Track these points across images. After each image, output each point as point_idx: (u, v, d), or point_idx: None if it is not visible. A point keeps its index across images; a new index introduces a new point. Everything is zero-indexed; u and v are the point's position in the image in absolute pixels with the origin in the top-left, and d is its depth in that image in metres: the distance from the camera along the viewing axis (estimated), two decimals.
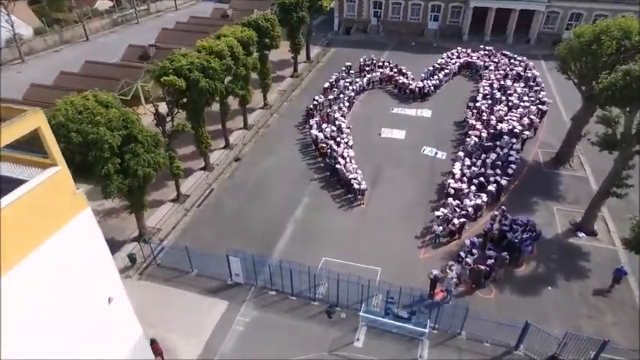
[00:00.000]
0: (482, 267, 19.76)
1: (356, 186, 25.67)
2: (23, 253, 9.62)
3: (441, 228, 22.51)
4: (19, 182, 9.80)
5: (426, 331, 17.26)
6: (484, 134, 30.01)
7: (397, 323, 17.95)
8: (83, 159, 17.98)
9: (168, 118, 23.98)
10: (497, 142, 28.84)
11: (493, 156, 27.43)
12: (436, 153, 30.61)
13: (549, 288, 20.33)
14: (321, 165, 29.61)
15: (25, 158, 10.56)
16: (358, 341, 18.18)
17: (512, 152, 28.09)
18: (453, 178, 25.90)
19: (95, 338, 12.51)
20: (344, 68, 40.69)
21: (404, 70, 40.31)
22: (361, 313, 18.00)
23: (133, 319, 14.20)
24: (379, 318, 18.21)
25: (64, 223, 10.60)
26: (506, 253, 20.39)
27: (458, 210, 23.39)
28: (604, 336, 16.97)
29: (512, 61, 41.27)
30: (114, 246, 22.91)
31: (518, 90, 35.54)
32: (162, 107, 24.41)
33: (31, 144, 10.98)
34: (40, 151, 10.44)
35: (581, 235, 23.06)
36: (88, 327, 12.16)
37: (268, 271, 20.80)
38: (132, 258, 21.74)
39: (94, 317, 12.28)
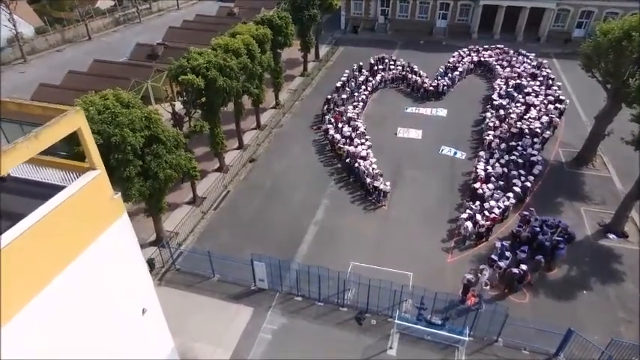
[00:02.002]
0: (516, 270, 19.11)
1: (381, 187, 24.98)
2: (64, 264, 8.88)
3: (470, 228, 21.84)
4: (57, 188, 9.05)
5: (465, 338, 16.61)
6: (504, 134, 29.41)
7: (432, 330, 17.29)
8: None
9: (186, 119, 23.21)
10: (519, 142, 28.25)
11: (516, 155, 26.84)
12: (455, 153, 29.98)
13: (585, 292, 19.73)
14: (338, 166, 28.91)
15: (62, 162, 9.80)
16: (392, 349, 17.50)
17: (534, 152, 27.51)
18: (478, 179, 25.25)
19: (128, 350, 11.76)
20: (355, 67, 40.01)
21: (416, 69, 39.67)
22: (396, 321, 17.30)
23: (165, 330, 13.49)
24: (413, 325, 17.53)
25: (103, 230, 9.86)
26: (541, 256, 19.75)
27: (485, 212, 22.74)
28: None
29: (525, 59, 40.70)
30: None
31: (535, 88, 34.99)
32: (177, 107, 23.67)
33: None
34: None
35: (612, 236, 22.50)
36: (122, 339, 11.42)
37: (293, 276, 20.08)
38: (151, 263, 20.94)
39: (128, 329, 11.55)
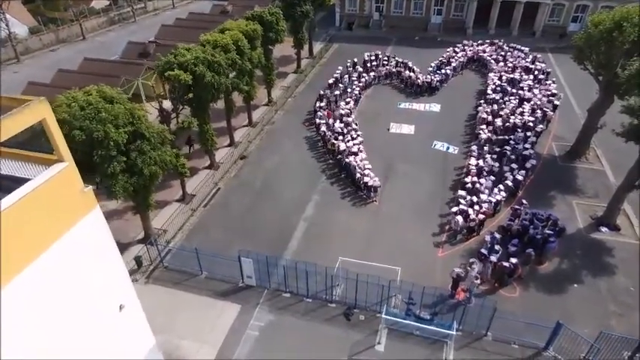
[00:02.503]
0: (506, 264, 18.91)
1: (370, 183, 24.78)
2: (28, 259, 8.69)
3: (461, 222, 21.64)
4: (22, 181, 8.85)
5: (453, 333, 16.39)
6: (496, 128, 29.19)
7: (420, 325, 17.10)
8: (87, 158, 17.03)
9: (173, 115, 23.03)
10: (512, 136, 28.03)
11: (508, 150, 26.63)
12: (448, 148, 29.77)
13: (575, 285, 19.53)
14: (330, 162, 28.72)
15: (28, 155, 9.62)
16: (380, 345, 17.32)
17: (527, 146, 27.29)
18: (469, 173, 25.05)
19: (105, 348, 11.57)
20: (348, 63, 39.79)
21: (410, 65, 39.44)
22: (383, 316, 17.11)
23: (145, 327, 13.29)
24: (401, 320, 17.33)
25: (73, 224, 9.67)
26: (531, 250, 19.55)
27: (476, 206, 22.53)
28: (637, 335, 16.19)
29: (519, 53, 40.45)
30: (119, 248, 21.79)
31: (529, 82, 34.75)
32: (166, 104, 23.51)
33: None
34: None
35: (604, 229, 22.28)
36: (98, 336, 11.22)
37: (281, 272, 19.89)
38: (138, 261, 20.80)
39: (104, 326, 11.35)
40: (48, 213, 9.09)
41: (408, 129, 32.26)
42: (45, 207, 8.97)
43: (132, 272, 20.68)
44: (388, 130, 32.26)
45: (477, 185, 24.02)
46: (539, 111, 30.70)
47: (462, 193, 24.03)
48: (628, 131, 19.77)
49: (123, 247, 22.07)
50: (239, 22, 28.48)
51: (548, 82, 35.23)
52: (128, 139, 17.69)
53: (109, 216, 24.19)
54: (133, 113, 17.78)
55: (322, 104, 33.55)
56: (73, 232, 9.78)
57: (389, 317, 17.24)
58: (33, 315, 9.12)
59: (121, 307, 11.88)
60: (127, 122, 17.41)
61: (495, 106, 31.79)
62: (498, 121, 29.83)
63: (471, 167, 25.41)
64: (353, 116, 32.28)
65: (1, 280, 8.08)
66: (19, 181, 8.96)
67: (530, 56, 39.79)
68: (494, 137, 28.46)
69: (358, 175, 25.55)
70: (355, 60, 40.16)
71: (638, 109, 19.43)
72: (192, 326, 18.22)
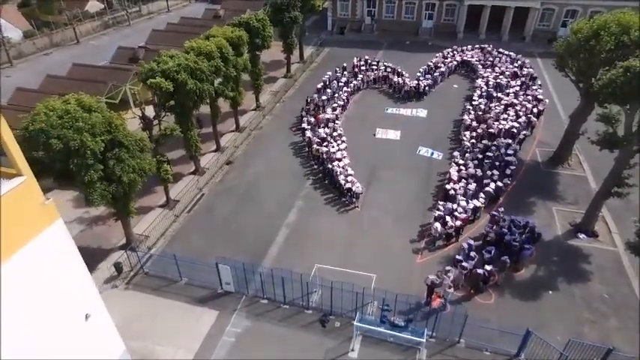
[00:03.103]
0: (480, 271, 19.09)
1: (353, 188, 24.97)
2: None
3: (439, 228, 21.82)
4: None
5: (423, 340, 16.56)
6: (479, 134, 29.40)
7: (393, 332, 17.26)
8: (64, 166, 17.25)
9: (156, 122, 23.24)
10: (494, 142, 28.23)
11: (490, 156, 26.83)
12: (432, 153, 29.97)
13: (550, 292, 19.69)
14: (315, 167, 28.92)
15: None
16: (353, 351, 17.48)
17: (509, 151, 27.49)
18: (450, 179, 25.24)
19: (73, 356, 11.76)
20: (337, 69, 40.02)
21: (399, 70, 39.68)
22: (355, 323, 17.29)
23: (113, 335, 13.48)
24: (374, 327, 17.50)
25: (33, 236, 9.88)
26: (506, 257, 19.72)
27: (455, 212, 22.71)
28: (608, 342, 16.40)
29: (507, 59, 40.69)
30: (100, 255, 22.23)
31: (515, 88, 34.96)
32: (150, 111, 23.72)
33: None
34: None
35: (582, 236, 22.46)
36: (64, 345, 11.42)
37: (259, 279, 20.07)
38: (118, 267, 20.97)
39: (70, 335, 11.55)
40: (7, 225, 9.28)
41: (394, 134, 32.47)
42: (6, 218, 9.16)
43: (112, 278, 20.94)
44: (374, 135, 32.48)
45: (457, 191, 24.18)
46: (523, 117, 30.88)
47: (441, 200, 24.20)
48: (603, 139, 19.95)
49: (104, 253, 22.31)
50: (224, 29, 28.72)
51: (534, 88, 35.43)
52: (106, 148, 17.89)
53: (92, 222, 24.53)
54: (110, 122, 17.98)
55: (310, 108, 33.79)
56: (35, 243, 9.99)
57: (361, 325, 17.40)
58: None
59: (87, 316, 12.08)
60: (104, 131, 17.62)
61: (480, 112, 32.00)
62: (483, 127, 30.03)
63: (451, 173, 25.58)
64: (339, 122, 32.49)
65: None
66: None
67: (519, 62, 40.02)
68: (477, 143, 28.63)
69: (341, 180, 25.75)
70: (344, 65, 40.39)
71: (613, 118, 19.63)
72: (169, 332, 18.38)
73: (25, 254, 9.72)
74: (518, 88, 35.04)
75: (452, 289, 18.91)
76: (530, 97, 33.74)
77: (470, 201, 23.45)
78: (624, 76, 18.03)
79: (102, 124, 17.64)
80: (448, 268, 19.70)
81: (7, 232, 9.32)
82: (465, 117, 31.76)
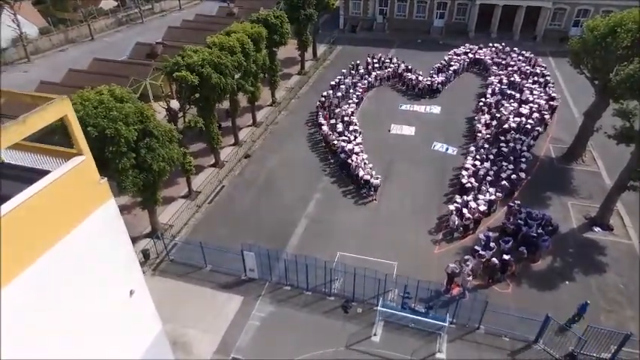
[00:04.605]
0: (496, 260, 19.58)
1: (371, 181, 25.52)
2: (48, 245, 9.48)
3: (457, 221, 22.32)
4: (44, 173, 9.67)
5: (446, 324, 17.09)
6: (494, 130, 29.86)
7: (415, 317, 17.80)
8: (99, 154, 17.86)
9: (180, 114, 23.88)
10: (509, 138, 28.67)
11: (504, 151, 27.30)
12: (447, 149, 30.46)
13: (567, 282, 20.17)
14: (332, 161, 29.49)
15: (50, 149, 10.43)
16: (375, 336, 18.04)
17: (524, 147, 27.94)
18: (466, 173, 25.72)
19: (116, 331, 12.37)
20: (351, 66, 40.57)
21: (410, 68, 40.16)
22: (379, 308, 17.84)
23: (153, 312, 14.09)
24: (396, 312, 18.05)
25: (89, 213, 10.47)
26: (524, 247, 20.20)
27: (472, 205, 23.20)
28: (625, 330, 16.82)
29: (520, 57, 41.09)
30: None
31: (529, 85, 35.37)
32: (173, 104, 24.34)
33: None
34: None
35: (597, 229, 22.89)
36: (110, 320, 12.02)
37: (283, 266, 20.66)
38: (145, 254, 21.64)
39: (116, 309, 12.15)
40: (67, 202, 9.88)
41: (408, 130, 32.98)
42: (65, 196, 9.76)
43: (140, 265, 21.51)
44: (389, 131, 32.99)
45: (472, 185, 24.67)
46: (536, 114, 31.30)
47: (457, 193, 24.69)
48: (619, 134, 20.39)
49: (131, 241, 22.86)
50: (244, 25, 29.33)
51: (547, 86, 35.82)
52: (138, 137, 18.51)
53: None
54: (142, 112, 18.63)
55: (325, 104, 34.35)
56: (90, 220, 10.58)
57: (385, 309, 17.95)
58: (52, 297, 9.91)
59: (131, 293, 12.69)
60: (136, 120, 18.26)
61: (494, 109, 32.44)
62: (497, 123, 30.47)
63: (467, 167, 26.08)
64: (355, 117, 33.02)
65: (26, 262, 8.88)
66: (41, 173, 9.80)
67: (532, 60, 40.41)
68: (491, 139, 29.09)
69: (360, 173, 26.28)
70: (358, 62, 40.94)
71: (630, 113, 20.06)
72: (197, 316, 19.03)
73: (82, 230, 10.30)
74: (531, 86, 35.40)
75: (471, 278, 19.40)
76: (543, 95, 34.12)
77: (486, 194, 23.90)
78: None
79: (134, 114, 18.28)
80: (467, 257, 20.20)
81: (68, 209, 9.92)
82: (479, 113, 32.19)
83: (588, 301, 18.02)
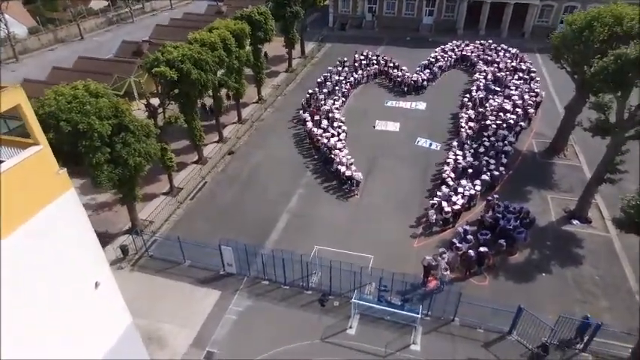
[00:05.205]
0: (472, 253, 19.65)
1: (354, 175, 25.59)
2: (3, 234, 9.48)
3: (435, 216, 22.39)
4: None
5: (418, 316, 17.15)
6: (477, 125, 29.96)
7: (389, 309, 17.84)
8: (73, 148, 17.88)
9: (160, 110, 23.86)
10: (492, 133, 28.77)
11: (486, 145, 27.39)
12: (430, 144, 30.54)
13: (543, 275, 20.24)
14: (315, 157, 29.52)
15: (7, 139, 10.43)
16: (351, 329, 18.07)
17: (506, 142, 28.02)
18: (448, 166, 25.81)
19: (81, 324, 12.34)
20: (338, 63, 40.61)
21: (397, 64, 40.24)
22: (353, 300, 17.89)
23: (121, 305, 14.05)
24: (371, 305, 18.09)
25: (46, 203, 10.46)
26: (503, 240, 20.28)
27: (452, 199, 23.27)
28: (598, 320, 16.89)
29: (506, 54, 41.21)
30: (106, 238, 22.84)
31: (514, 82, 35.48)
32: (155, 101, 24.36)
33: None
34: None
35: (575, 222, 22.99)
36: (74, 313, 12.00)
37: (261, 261, 20.68)
38: (124, 250, 21.61)
39: (80, 302, 12.13)
40: (22, 192, 9.86)
41: (393, 126, 33.04)
42: (19, 186, 9.74)
43: (118, 260, 21.59)
44: (374, 127, 33.05)
45: (453, 179, 24.74)
46: (520, 109, 31.40)
47: (438, 187, 24.76)
48: (595, 126, 20.49)
49: (111, 237, 22.95)
50: (227, 22, 29.34)
51: (532, 82, 35.93)
52: (112, 131, 18.51)
53: (99, 207, 25.18)
54: (117, 107, 18.60)
55: (310, 101, 34.37)
56: (48, 210, 10.57)
57: (360, 302, 17.99)
58: (10, 287, 9.90)
59: (97, 285, 12.67)
60: (110, 115, 18.24)
61: (478, 104, 32.52)
62: (480, 119, 30.56)
63: (449, 161, 26.15)
64: (339, 113, 33.05)
65: None
66: None
67: (517, 56, 40.53)
68: (474, 134, 29.18)
69: (342, 169, 26.33)
70: (345, 59, 40.99)
71: (605, 105, 20.16)
72: (173, 311, 19.01)
73: (38, 221, 10.29)
74: (516, 82, 35.50)
75: (448, 272, 19.45)
76: (527, 90, 34.23)
77: (466, 188, 23.97)
78: (615, 63, 18.56)
79: (108, 108, 18.26)
80: (443, 249, 20.26)
81: (22, 198, 9.91)
82: (464, 109, 32.29)
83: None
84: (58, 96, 17.66)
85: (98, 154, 18.03)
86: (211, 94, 27.98)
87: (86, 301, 12.44)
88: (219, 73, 27.43)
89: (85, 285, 12.33)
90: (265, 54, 34.49)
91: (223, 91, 30.19)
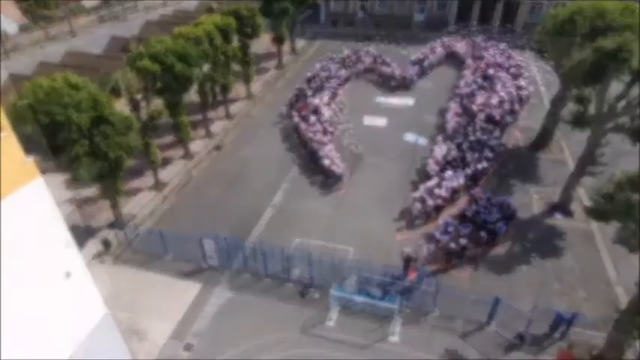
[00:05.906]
0: (453, 245, 19.72)
1: (338, 171, 25.69)
2: None
3: (418, 207, 22.45)
4: None
5: (396, 307, 17.21)
6: (463, 120, 30.01)
7: (368, 301, 17.90)
8: (52, 141, 17.86)
9: (144, 104, 23.85)
10: (476, 127, 28.82)
11: (471, 139, 27.43)
12: (417, 139, 30.59)
13: (524, 266, 20.33)
14: (302, 152, 29.54)
15: None
16: (331, 320, 18.13)
17: (491, 136, 28.07)
18: (432, 160, 25.88)
19: (53, 315, 12.34)
20: (328, 59, 40.58)
21: (387, 61, 40.27)
22: (332, 291, 17.94)
23: (94, 295, 14.04)
24: (350, 296, 18.15)
25: (10, 192, 10.46)
26: (484, 232, 20.36)
27: (435, 191, 23.33)
28: (576, 311, 16.99)
29: (495, 50, 41.26)
30: (89, 232, 22.86)
31: (501, 77, 35.52)
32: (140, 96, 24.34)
33: None
34: None
35: (558, 215, 23.07)
36: (43, 303, 11.99)
37: (242, 254, 20.70)
38: (106, 243, 21.62)
39: (49, 293, 12.11)
40: None
41: (380, 122, 33.09)
42: None
43: (100, 254, 21.60)
44: (362, 122, 33.06)
45: (437, 173, 24.80)
46: (506, 104, 31.47)
47: (422, 180, 24.83)
48: (573, 119, 20.57)
49: (93, 231, 22.94)
50: (214, 17, 29.35)
51: (520, 77, 35.99)
52: (92, 124, 18.50)
53: (82, 203, 25.11)
54: (96, 99, 18.59)
55: (298, 97, 34.37)
56: (11, 199, 10.56)
57: (339, 294, 18.05)
58: None
59: (67, 275, 12.67)
60: (89, 107, 18.23)
61: (465, 100, 32.57)
62: (467, 113, 30.61)
63: (434, 156, 26.22)
64: (327, 109, 33.04)
65: None
66: None
67: (507, 52, 40.60)
68: (460, 129, 29.22)
69: (326, 163, 26.36)
70: (334, 56, 40.97)
71: (584, 98, 20.24)
72: (154, 304, 19.03)
73: (5, 208, 10.30)
74: (504, 77, 35.55)
75: (428, 265, 19.51)
76: (515, 86, 34.29)
77: (449, 182, 24.02)
78: (593, 56, 18.63)
79: (87, 100, 18.25)
80: (422, 242, 20.32)
81: None
82: (450, 104, 32.36)
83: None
84: (37, 88, 17.64)
85: (76, 146, 18.02)
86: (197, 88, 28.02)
87: (56, 292, 12.43)
88: (206, 67, 27.40)
89: (55, 275, 12.32)
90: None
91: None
